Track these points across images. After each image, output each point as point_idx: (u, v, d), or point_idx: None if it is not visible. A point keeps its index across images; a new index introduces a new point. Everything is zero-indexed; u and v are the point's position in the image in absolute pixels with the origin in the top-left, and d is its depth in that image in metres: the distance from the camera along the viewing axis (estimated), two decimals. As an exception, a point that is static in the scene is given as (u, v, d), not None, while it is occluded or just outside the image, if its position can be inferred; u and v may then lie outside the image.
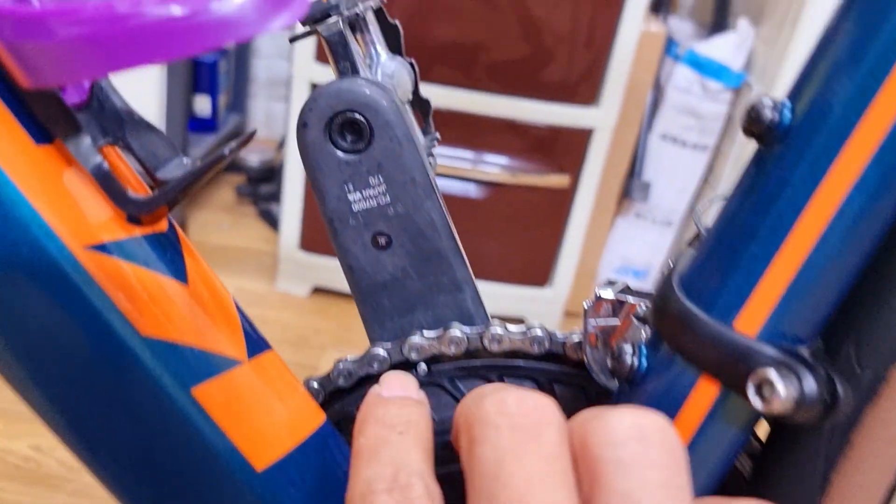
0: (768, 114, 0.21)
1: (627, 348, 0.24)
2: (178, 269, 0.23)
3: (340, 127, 0.29)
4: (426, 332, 0.30)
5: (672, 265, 0.29)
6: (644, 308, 0.28)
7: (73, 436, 0.23)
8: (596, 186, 1.24)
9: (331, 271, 1.36)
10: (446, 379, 0.30)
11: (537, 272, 1.31)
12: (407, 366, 0.30)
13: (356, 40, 0.34)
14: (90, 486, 0.84)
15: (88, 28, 0.17)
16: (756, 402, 0.20)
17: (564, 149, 1.22)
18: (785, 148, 0.21)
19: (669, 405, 0.23)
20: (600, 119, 1.19)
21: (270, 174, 1.64)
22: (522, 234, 1.28)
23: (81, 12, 0.17)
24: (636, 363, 0.23)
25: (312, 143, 0.29)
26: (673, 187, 1.35)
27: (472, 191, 1.24)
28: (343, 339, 1.32)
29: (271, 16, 0.17)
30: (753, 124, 0.21)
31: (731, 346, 0.21)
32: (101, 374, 0.21)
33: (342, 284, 1.36)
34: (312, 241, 1.34)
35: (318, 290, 1.40)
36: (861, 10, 0.20)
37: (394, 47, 0.39)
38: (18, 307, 0.20)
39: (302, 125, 0.29)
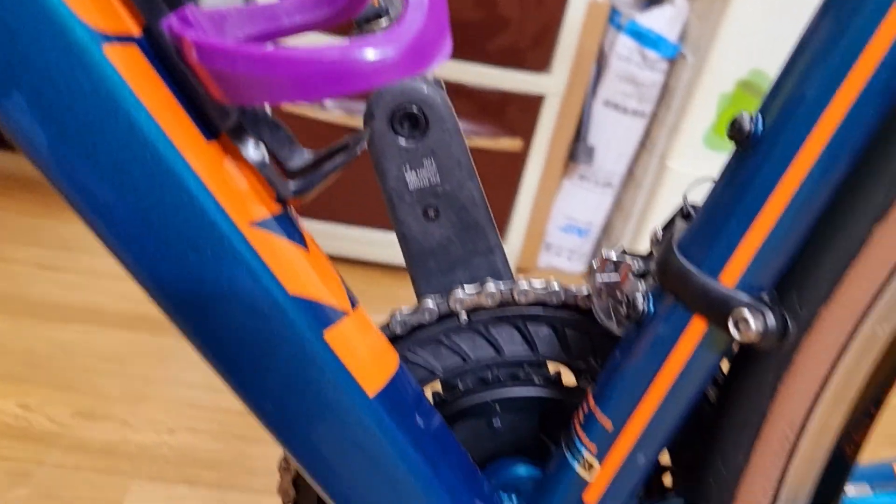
0: (747, 125, 0.29)
1: (640, 296, 0.32)
2: (301, 239, 0.29)
3: (401, 118, 0.35)
4: (467, 288, 0.37)
5: (661, 232, 0.37)
6: (638, 266, 0.36)
7: (231, 374, 0.29)
8: (546, 150, 1.32)
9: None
10: (482, 325, 0.38)
11: (489, 230, 1.40)
12: (451, 315, 0.37)
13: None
14: (84, 440, 0.86)
15: (260, 67, 0.22)
16: (735, 333, 0.29)
17: (517, 114, 1.30)
18: (757, 152, 0.29)
19: (668, 340, 0.31)
20: (551, 85, 1.26)
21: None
22: (476, 195, 1.35)
23: (255, 54, 0.22)
24: (647, 308, 0.31)
25: (377, 131, 0.35)
26: (613, 151, 1.45)
27: (429, 153, 1.30)
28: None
29: (418, 62, 0.22)
30: (736, 133, 0.29)
31: (718, 294, 0.29)
32: (260, 326, 0.27)
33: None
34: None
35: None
36: (812, 46, 0.27)
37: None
38: (200, 275, 0.26)
39: (369, 115, 0.35)
